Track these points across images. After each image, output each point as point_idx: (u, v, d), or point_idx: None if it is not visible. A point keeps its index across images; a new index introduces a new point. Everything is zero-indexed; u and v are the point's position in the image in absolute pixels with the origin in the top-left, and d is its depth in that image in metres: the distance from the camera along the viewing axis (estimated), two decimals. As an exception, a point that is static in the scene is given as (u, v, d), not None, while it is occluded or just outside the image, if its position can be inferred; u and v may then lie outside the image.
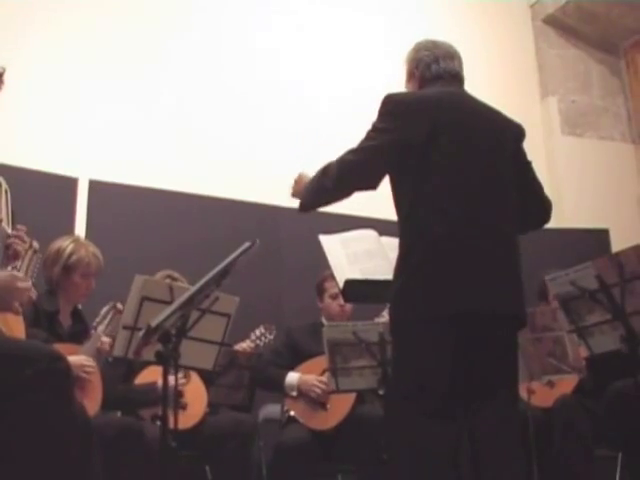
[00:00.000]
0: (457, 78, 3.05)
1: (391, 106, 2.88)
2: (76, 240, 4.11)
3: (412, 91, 3.08)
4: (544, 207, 3.12)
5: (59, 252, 3.98)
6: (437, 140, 2.79)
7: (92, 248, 4.06)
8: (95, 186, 5.31)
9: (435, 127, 2.80)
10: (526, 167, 3.06)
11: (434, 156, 2.78)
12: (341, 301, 4.49)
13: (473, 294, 2.72)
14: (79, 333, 3.96)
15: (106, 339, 3.78)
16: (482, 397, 2.78)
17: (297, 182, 3.15)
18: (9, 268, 2.61)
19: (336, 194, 2.96)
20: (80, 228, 5.20)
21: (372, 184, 2.90)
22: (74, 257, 3.97)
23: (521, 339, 3.04)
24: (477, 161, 2.84)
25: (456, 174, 2.80)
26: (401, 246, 2.85)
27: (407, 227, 2.84)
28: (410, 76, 3.11)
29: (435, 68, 3.03)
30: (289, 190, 3.19)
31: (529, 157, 3.09)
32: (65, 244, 4.03)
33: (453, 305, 2.70)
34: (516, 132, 3.04)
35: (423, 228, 2.78)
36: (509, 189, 2.91)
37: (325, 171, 2.92)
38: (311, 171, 3.04)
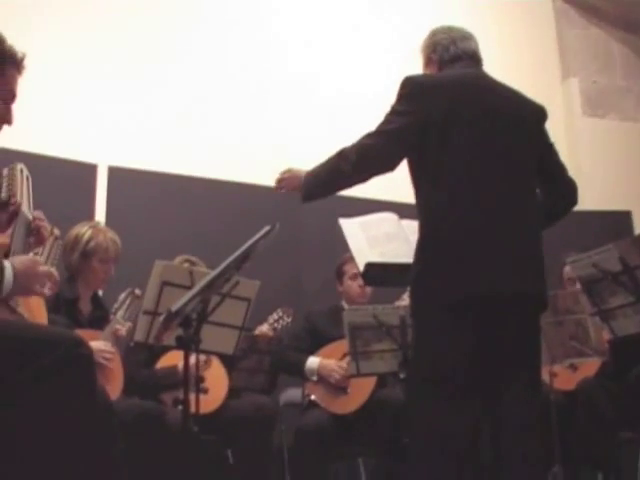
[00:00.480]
0: (475, 59, 3.03)
1: (410, 88, 2.86)
2: (94, 226, 4.12)
3: (431, 73, 3.06)
4: (569, 188, 3.08)
5: (77, 238, 3.99)
6: (456, 122, 2.77)
7: (110, 234, 4.07)
8: (114, 172, 5.33)
9: (454, 108, 2.78)
10: (549, 149, 3.03)
11: (453, 138, 2.76)
12: (361, 282, 4.47)
13: (492, 277, 2.70)
14: (99, 319, 3.98)
15: (122, 325, 3.78)
16: (504, 380, 2.76)
17: (288, 176, 3.11)
18: (31, 254, 2.62)
19: (354, 178, 2.93)
20: (100, 214, 5.22)
21: (390, 167, 2.88)
22: (92, 243, 3.99)
23: (543, 322, 3.02)
24: (496, 143, 2.82)
25: (475, 156, 2.78)
26: (420, 230, 2.83)
27: (425, 211, 2.83)
28: (428, 61, 3.09)
29: (453, 49, 3.01)
30: (277, 189, 3.16)
31: (550, 139, 3.06)
32: (83, 230, 4.04)
33: (472, 288, 2.69)
34: (538, 113, 3.01)
35: (441, 212, 2.77)
36: (529, 171, 2.89)
37: (341, 155, 2.89)
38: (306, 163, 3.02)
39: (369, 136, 2.86)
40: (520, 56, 6.92)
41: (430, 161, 2.79)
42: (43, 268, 2.33)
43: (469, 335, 2.68)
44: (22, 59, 2.42)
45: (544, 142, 3.01)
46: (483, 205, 2.74)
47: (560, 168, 3.06)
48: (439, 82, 2.92)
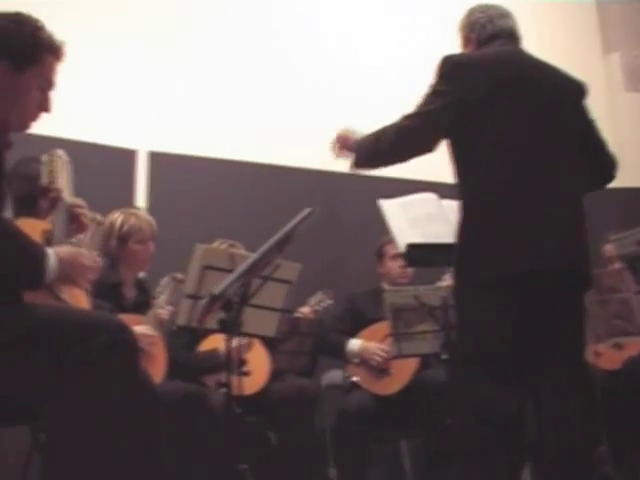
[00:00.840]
0: (513, 36, 3.01)
1: (448, 67, 2.84)
2: (124, 211, 4.15)
3: (469, 52, 3.03)
4: (609, 164, 3.05)
5: (111, 225, 4.03)
6: (495, 100, 2.75)
7: (142, 214, 4.13)
8: (154, 157, 5.35)
9: (493, 87, 2.76)
10: (590, 124, 3.00)
11: (492, 117, 2.74)
12: (402, 263, 4.45)
13: (535, 254, 2.68)
14: (142, 303, 4.01)
15: (163, 309, 3.81)
16: (548, 361, 2.74)
17: (343, 137, 3.11)
18: (73, 240, 2.64)
19: (392, 159, 2.94)
20: (140, 200, 5.26)
21: (430, 149, 2.87)
22: (126, 226, 4.03)
23: (587, 301, 2.98)
24: (537, 120, 2.80)
25: (515, 135, 2.76)
26: (461, 210, 2.82)
27: (466, 191, 2.81)
28: (466, 41, 3.08)
29: (491, 27, 2.99)
30: (332, 147, 3.16)
31: (591, 115, 3.02)
32: (115, 216, 4.08)
33: (515, 267, 2.67)
34: (578, 90, 2.97)
35: (481, 191, 2.75)
36: (570, 147, 2.86)
37: (381, 135, 2.89)
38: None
39: (408, 117, 2.84)
40: (560, 32, 6.82)
41: (470, 140, 2.77)
42: (86, 260, 2.35)
43: (512, 315, 2.66)
44: (61, 47, 2.41)
45: (585, 118, 2.98)
46: (524, 183, 2.72)
47: (601, 144, 3.03)
48: (478, 60, 2.89)
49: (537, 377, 2.75)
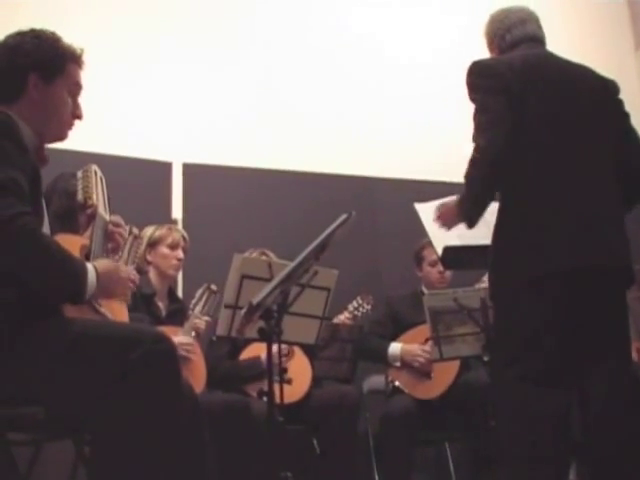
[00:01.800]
0: (536, 40, 2.99)
1: (479, 70, 2.82)
2: (157, 226, 4.20)
3: (496, 57, 3.01)
4: None
5: (141, 235, 4.08)
6: (526, 102, 2.72)
7: (175, 227, 4.15)
8: (189, 169, 5.38)
9: (524, 88, 2.73)
10: (625, 120, 2.96)
11: (524, 117, 2.71)
12: (440, 268, 4.45)
13: (575, 251, 2.65)
14: (176, 312, 4.06)
15: (200, 319, 3.83)
16: (592, 360, 2.71)
17: (444, 212, 2.99)
18: (115, 257, 2.67)
19: (489, 175, 2.75)
20: (177, 212, 5.28)
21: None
22: (157, 233, 4.12)
23: (628, 298, 2.95)
24: (569, 119, 2.77)
25: (550, 133, 2.74)
26: (499, 210, 2.80)
27: (503, 191, 2.79)
28: (490, 46, 3.08)
29: (509, 38, 2.98)
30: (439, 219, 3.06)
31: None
32: (146, 229, 4.15)
33: (555, 264, 2.64)
34: (611, 88, 2.94)
35: (519, 191, 2.73)
36: (606, 145, 2.82)
37: (470, 170, 2.75)
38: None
39: (478, 136, 2.72)
40: (591, 28, 6.76)
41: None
42: (124, 274, 2.37)
43: (555, 314, 2.63)
44: (81, 54, 2.49)
45: (620, 113, 2.94)
46: (562, 181, 2.70)
47: (637, 138, 2.98)
48: (505, 63, 2.85)
49: (582, 376, 2.72)
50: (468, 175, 2.76)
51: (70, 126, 2.48)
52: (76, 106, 2.48)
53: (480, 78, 2.81)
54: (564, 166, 2.72)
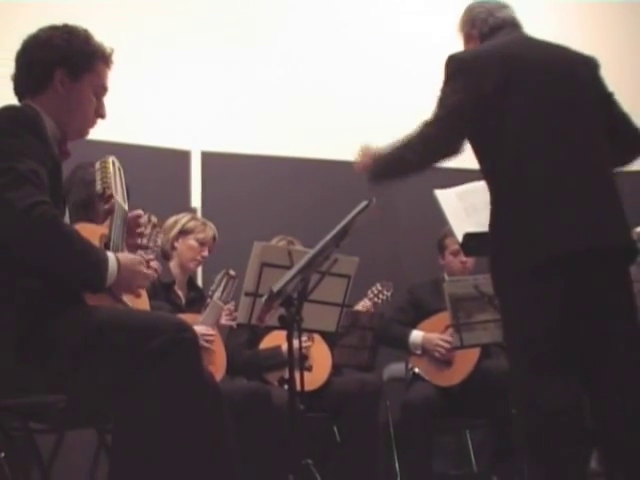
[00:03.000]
0: (515, 24, 2.99)
1: (454, 66, 2.82)
2: (194, 216, 4.21)
3: (474, 47, 3.00)
4: (636, 137, 2.98)
5: (176, 221, 4.10)
6: (510, 86, 2.72)
7: (210, 223, 4.14)
8: (208, 157, 5.37)
9: (506, 74, 2.74)
10: (609, 98, 2.94)
11: (510, 103, 2.71)
12: (462, 257, 4.43)
13: (576, 233, 2.63)
14: (195, 301, 4.06)
15: (221, 305, 3.84)
16: (601, 343, 2.68)
17: (362, 156, 3.08)
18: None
19: (420, 167, 2.90)
20: (196, 200, 5.29)
21: (457, 149, 2.83)
22: (192, 223, 4.10)
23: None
24: (556, 101, 2.76)
25: (536, 116, 2.73)
26: (492, 200, 2.80)
27: (494, 179, 2.80)
28: (468, 38, 3.05)
29: (492, 20, 2.97)
30: (355, 161, 3.13)
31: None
32: (181, 216, 4.16)
33: (555, 247, 2.62)
34: (590, 64, 2.92)
35: (510, 175, 2.72)
36: (594, 124, 2.80)
37: (407, 146, 2.84)
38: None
39: (429, 124, 2.80)
40: (619, 32, 6.61)
41: (491, 129, 2.75)
42: (144, 268, 2.38)
43: (558, 300, 2.61)
44: (110, 54, 2.51)
45: (603, 92, 2.93)
46: (553, 162, 2.69)
47: (624, 116, 2.97)
48: (484, 53, 2.87)
49: (593, 361, 2.69)
50: (410, 147, 2.82)
51: (92, 124, 2.50)
52: (100, 105, 2.50)
53: (452, 75, 2.81)
54: (555, 147, 2.71)
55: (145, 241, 2.85)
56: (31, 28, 2.47)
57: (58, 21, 2.47)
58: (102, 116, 2.51)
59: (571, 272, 2.62)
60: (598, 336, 2.68)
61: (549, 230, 2.64)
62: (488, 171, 2.84)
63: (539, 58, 2.83)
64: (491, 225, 2.79)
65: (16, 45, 2.45)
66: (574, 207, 2.66)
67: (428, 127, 2.80)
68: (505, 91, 2.72)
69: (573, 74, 2.83)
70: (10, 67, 2.45)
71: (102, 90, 2.49)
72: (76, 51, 2.41)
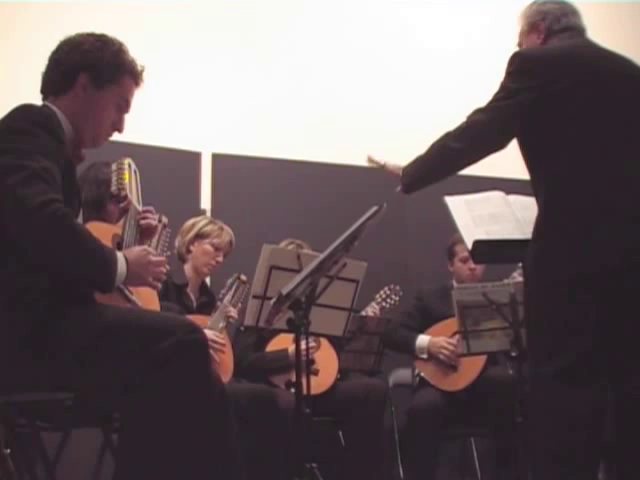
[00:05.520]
0: (582, 33, 2.95)
1: (520, 63, 2.77)
2: (212, 219, 4.21)
3: (541, 47, 2.97)
4: None
5: (194, 224, 4.11)
6: (571, 91, 2.68)
7: (227, 229, 4.14)
8: (218, 159, 5.38)
9: (568, 79, 2.69)
10: None
11: (569, 110, 2.68)
12: (471, 265, 4.43)
13: (624, 246, 2.60)
14: (206, 305, 4.06)
15: (232, 309, 3.85)
16: (630, 359, 2.66)
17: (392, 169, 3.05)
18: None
19: (465, 156, 2.83)
20: (205, 201, 5.29)
21: (503, 145, 2.79)
22: (209, 227, 4.10)
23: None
24: (615, 112, 2.72)
25: (595, 124, 2.68)
26: (540, 207, 2.75)
27: (546, 185, 2.74)
28: (533, 28, 2.99)
29: (565, 21, 2.92)
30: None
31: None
32: (199, 219, 4.18)
33: (605, 259, 2.58)
34: None
35: (561, 187, 2.68)
36: None
37: (449, 137, 2.79)
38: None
39: (480, 112, 2.77)
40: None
41: (548, 134, 2.71)
42: (154, 257, 2.37)
43: (593, 314, 2.59)
44: (141, 72, 2.52)
45: None
46: (608, 172, 2.64)
47: None
48: (551, 54, 2.82)
49: (619, 376, 2.67)
50: (444, 145, 2.80)
51: (107, 135, 2.50)
52: (120, 119, 2.50)
53: (516, 71, 2.77)
54: (609, 157, 2.66)
55: (155, 240, 2.85)
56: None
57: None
58: (119, 130, 2.51)
59: (613, 286, 2.58)
60: (629, 351, 2.66)
61: (593, 245, 2.59)
62: (540, 177, 2.77)
63: (601, 66, 2.78)
64: (536, 231, 2.74)
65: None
66: (625, 220, 2.61)
67: (478, 115, 2.76)
68: (565, 96, 2.68)
69: (637, 89, 2.80)
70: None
71: (125, 105, 2.50)
72: (105, 60, 2.42)
